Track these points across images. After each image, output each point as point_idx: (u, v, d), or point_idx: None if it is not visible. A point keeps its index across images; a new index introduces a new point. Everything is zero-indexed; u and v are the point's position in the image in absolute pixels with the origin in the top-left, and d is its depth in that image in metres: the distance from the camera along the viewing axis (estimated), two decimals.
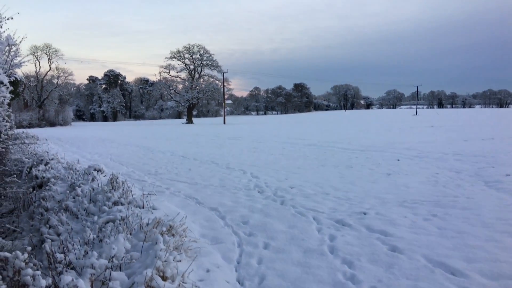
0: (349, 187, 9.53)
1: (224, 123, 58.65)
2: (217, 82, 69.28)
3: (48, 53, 78.34)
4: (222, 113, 66.05)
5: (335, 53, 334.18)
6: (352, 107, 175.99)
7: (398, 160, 14.47)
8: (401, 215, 6.89)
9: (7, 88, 8.00)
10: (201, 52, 67.72)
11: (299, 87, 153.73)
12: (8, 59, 10.21)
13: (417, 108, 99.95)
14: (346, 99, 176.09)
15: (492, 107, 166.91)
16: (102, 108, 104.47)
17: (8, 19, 6.81)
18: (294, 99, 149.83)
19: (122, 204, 7.48)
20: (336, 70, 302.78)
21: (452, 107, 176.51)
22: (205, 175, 11.91)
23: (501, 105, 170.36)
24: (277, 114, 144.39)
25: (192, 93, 64.93)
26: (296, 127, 41.00)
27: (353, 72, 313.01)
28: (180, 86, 70.55)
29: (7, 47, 8.83)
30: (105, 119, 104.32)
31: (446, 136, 25.35)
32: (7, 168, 12.17)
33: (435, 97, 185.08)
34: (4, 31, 7.89)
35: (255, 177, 11.31)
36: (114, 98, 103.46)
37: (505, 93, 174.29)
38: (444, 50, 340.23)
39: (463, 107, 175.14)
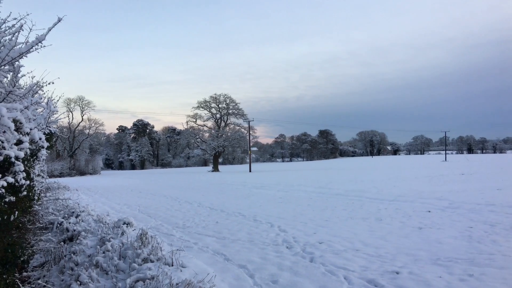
0: (380, 243, 9.32)
1: (250, 170, 58.84)
2: (242, 130, 70.36)
3: (81, 105, 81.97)
4: (248, 161, 66.41)
5: (358, 100, 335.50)
6: (379, 153, 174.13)
7: (429, 211, 14.13)
8: (435, 275, 6.67)
9: (43, 147, 8.38)
10: (227, 102, 69.40)
11: (324, 134, 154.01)
12: (46, 117, 10.77)
13: (446, 154, 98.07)
14: (373, 145, 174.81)
15: None
16: (130, 157, 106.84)
17: (49, 83, 7.24)
18: (319, 146, 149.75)
19: (151, 261, 7.52)
20: (361, 116, 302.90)
21: (482, 153, 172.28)
22: (233, 228, 11.88)
23: None
24: (303, 160, 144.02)
25: (218, 141, 65.92)
26: (322, 175, 40.72)
27: (378, 118, 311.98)
28: (207, 134, 71.89)
29: (48, 110, 9.32)
30: (133, 167, 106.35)
31: (479, 184, 24.66)
32: (39, 220, 12.50)
33: (464, 142, 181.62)
34: (44, 93, 8.36)
35: (283, 230, 11.21)
36: (142, 147, 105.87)
37: None
38: (471, 95, 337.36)
39: (494, 152, 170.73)
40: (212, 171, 64.19)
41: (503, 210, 14.01)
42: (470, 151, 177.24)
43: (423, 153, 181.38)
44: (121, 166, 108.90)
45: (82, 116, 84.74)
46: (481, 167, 49.92)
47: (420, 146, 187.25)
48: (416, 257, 7.87)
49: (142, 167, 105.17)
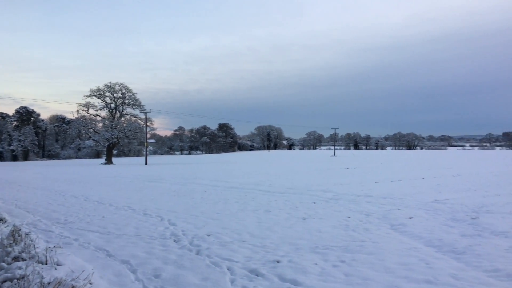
0: (266, 234, 9.66)
1: (146, 163, 57.14)
2: (139, 121, 67.92)
3: None
4: (144, 153, 64.37)
5: (257, 95, 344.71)
6: (275, 147, 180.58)
7: (315, 203, 15.00)
8: (312, 262, 7.10)
9: None
10: (123, 91, 66.34)
11: (224, 127, 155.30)
12: None
13: (335, 149, 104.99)
14: (270, 139, 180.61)
15: (402, 149, 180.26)
16: (12, 147, 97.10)
17: None
18: (218, 139, 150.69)
19: (23, 259, 6.92)
20: (259, 111, 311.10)
21: (366, 148, 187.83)
22: (120, 223, 11.42)
23: (409, 147, 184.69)
24: (202, 154, 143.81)
25: (113, 132, 62.86)
26: (219, 168, 41.07)
27: (276, 113, 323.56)
28: (100, 124, 68.04)
29: None
30: (14, 158, 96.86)
31: (360, 177, 26.83)
32: None
33: (351, 139, 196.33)
34: None
35: (173, 224, 11.07)
36: (26, 136, 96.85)
37: (412, 136, 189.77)
38: (358, 95, 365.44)
39: (376, 148, 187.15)
40: (105, 163, 61.07)
41: (378, 201, 15.41)
42: (356, 147, 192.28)
43: (316, 148, 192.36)
44: (0, 157, 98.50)
45: None
46: (364, 161, 54.41)
47: (313, 141, 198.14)
48: (298, 246, 8.31)
49: (26, 158, 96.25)
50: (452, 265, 6.89)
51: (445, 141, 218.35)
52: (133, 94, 67.14)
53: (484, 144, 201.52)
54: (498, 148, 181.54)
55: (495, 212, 12.43)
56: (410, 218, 11.63)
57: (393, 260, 7.16)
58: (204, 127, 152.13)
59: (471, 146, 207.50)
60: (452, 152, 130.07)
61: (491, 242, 8.49)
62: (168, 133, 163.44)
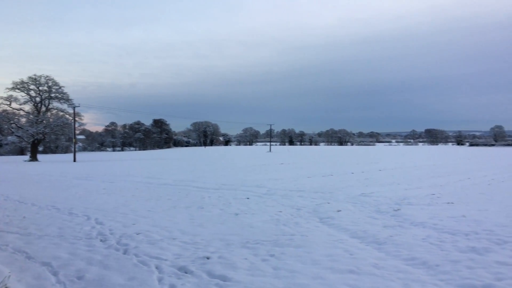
0: (198, 230, 9.57)
1: (75, 160, 54.52)
2: (67, 116, 64.44)
3: None
4: (73, 150, 61.21)
5: (194, 91, 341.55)
6: (212, 143, 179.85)
7: (248, 198, 15.12)
8: (242, 257, 7.14)
9: None
10: (49, 84, 62.53)
11: (159, 123, 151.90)
12: None
13: (270, 145, 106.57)
14: (206, 135, 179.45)
15: (334, 145, 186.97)
16: None
17: None
18: (153, 135, 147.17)
19: None
20: (196, 107, 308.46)
21: (301, 144, 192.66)
22: (42, 223, 10.77)
23: (341, 143, 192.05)
24: (135, 150, 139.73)
25: (38, 128, 59.17)
26: (153, 165, 40.15)
27: (212, 109, 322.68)
28: (24, 119, 63.73)
29: None
30: None
31: (293, 173, 27.45)
32: None
33: (286, 135, 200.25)
34: None
35: (100, 223, 10.63)
36: None
37: (344, 132, 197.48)
38: (293, 92, 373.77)
39: (310, 144, 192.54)
40: (30, 160, 57.42)
41: (309, 195, 15.85)
42: (291, 143, 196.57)
43: (252, 144, 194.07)
44: None
45: None
46: (298, 157, 55.77)
47: (249, 137, 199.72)
48: (229, 242, 8.32)
49: None
50: (374, 255, 7.24)
51: (374, 137, 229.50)
52: (60, 88, 63.49)
53: (408, 140, 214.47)
54: (421, 144, 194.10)
55: (415, 204, 13.26)
56: (338, 211, 12.09)
57: (320, 252, 7.39)
58: (138, 123, 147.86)
59: (397, 142, 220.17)
60: (379, 147, 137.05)
61: (410, 232, 9.04)
62: (99, 128, 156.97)
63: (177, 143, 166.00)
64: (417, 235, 8.71)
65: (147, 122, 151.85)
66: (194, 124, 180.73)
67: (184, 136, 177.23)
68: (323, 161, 43.99)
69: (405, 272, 6.26)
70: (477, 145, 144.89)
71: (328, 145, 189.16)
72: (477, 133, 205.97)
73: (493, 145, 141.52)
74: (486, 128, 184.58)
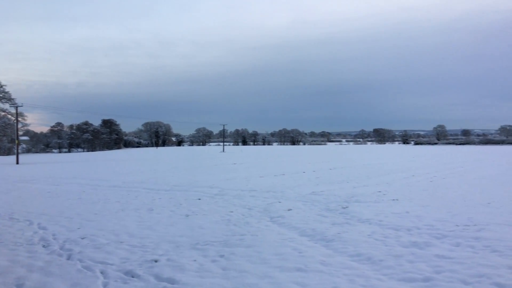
0: (146, 233, 9.36)
1: (17, 162, 51.86)
2: (9, 116, 61.38)
3: None
4: (16, 151, 58.23)
5: (145, 90, 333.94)
6: (164, 144, 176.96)
7: (199, 199, 14.99)
8: (191, 259, 7.06)
9: None
10: None
11: (108, 123, 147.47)
12: None
13: (223, 146, 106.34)
14: (158, 136, 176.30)
15: (286, 144, 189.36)
16: None
17: None
18: (102, 136, 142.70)
19: None
20: (147, 107, 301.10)
21: (254, 144, 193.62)
22: None
23: (293, 142, 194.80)
24: (83, 151, 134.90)
25: None
26: (102, 166, 38.92)
27: (165, 109, 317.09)
28: None
29: None
30: None
31: (246, 172, 27.53)
32: None
33: (240, 135, 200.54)
34: None
35: (43, 228, 10.16)
36: None
37: (296, 132, 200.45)
38: (246, 92, 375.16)
39: (263, 144, 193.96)
40: None
41: (261, 195, 15.96)
42: (244, 142, 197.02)
43: (205, 144, 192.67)
44: None
45: None
46: (250, 157, 56.01)
47: (203, 137, 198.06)
48: (178, 244, 8.20)
49: None
50: (322, 252, 7.39)
51: (325, 137, 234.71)
52: (1, 87, 60.33)
53: (358, 139, 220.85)
54: (369, 143, 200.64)
55: (363, 201, 13.68)
56: (289, 210, 12.24)
57: (270, 251, 7.45)
58: (86, 123, 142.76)
59: (347, 141, 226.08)
60: (330, 147, 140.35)
61: (356, 229, 9.31)
62: (45, 129, 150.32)
63: (128, 144, 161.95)
64: (363, 231, 8.98)
65: (96, 122, 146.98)
66: (146, 124, 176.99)
67: (135, 137, 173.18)
68: (275, 161, 44.45)
69: (350, 268, 6.43)
70: (421, 143, 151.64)
71: (281, 144, 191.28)
72: (422, 132, 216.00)
73: (436, 143, 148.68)
74: (430, 127, 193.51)
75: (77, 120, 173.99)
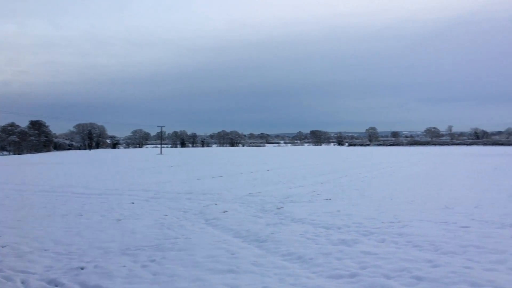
0: (74, 239, 8.93)
1: None
2: None
3: None
4: None
5: (77, 90, 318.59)
6: (98, 146, 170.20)
7: (133, 203, 14.57)
8: (120, 265, 6.83)
9: None
10: None
11: (37, 125, 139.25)
12: None
13: (161, 148, 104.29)
14: (91, 138, 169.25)
15: (226, 146, 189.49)
16: None
17: None
18: (30, 138, 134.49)
19: None
20: (80, 107, 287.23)
21: (193, 146, 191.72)
22: None
23: (232, 144, 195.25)
24: (9, 154, 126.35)
25: None
26: (29, 170, 36.66)
27: (98, 110, 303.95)
28: None
29: None
30: None
31: (183, 175, 27.17)
32: None
33: (178, 137, 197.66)
34: None
35: None
36: None
37: (235, 134, 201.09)
38: (185, 94, 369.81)
39: (202, 146, 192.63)
40: None
41: (198, 197, 15.82)
42: (183, 144, 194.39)
43: (142, 147, 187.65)
44: None
45: None
46: (189, 159, 55.37)
47: (139, 139, 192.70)
48: (107, 250, 7.90)
49: None
50: (255, 252, 7.46)
51: (264, 139, 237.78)
52: None
53: (296, 141, 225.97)
54: (306, 144, 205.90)
55: (298, 202, 14.00)
56: (225, 212, 12.24)
57: (202, 253, 7.39)
58: (12, 125, 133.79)
59: (285, 142, 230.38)
60: (269, 148, 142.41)
61: (289, 228, 9.50)
62: None
63: (59, 147, 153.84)
64: (296, 231, 9.18)
65: (23, 123, 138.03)
66: (78, 126, 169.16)
67: (66, 139, 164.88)
68: (213, 163, 44.29)
69: (281, 267, 6.54)
70: (354, 145, 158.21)
71: (220, 146, 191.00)
72: (355, 134, 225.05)
73: (368, 144, 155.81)
74: (362, 129, 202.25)
75: (2, 122, 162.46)
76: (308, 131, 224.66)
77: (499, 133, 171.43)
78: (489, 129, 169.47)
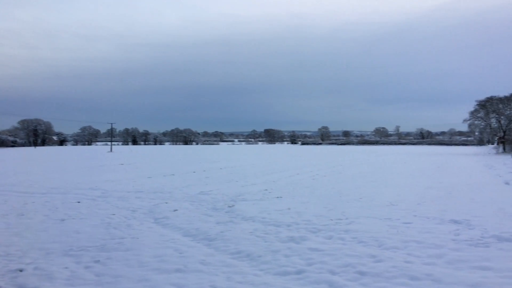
0: (13, 240, 8.49)
1: None
2: None
3: None
4: None
5: (21, 85, 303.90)
6: (44, 143, 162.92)
7: (79, 202, 14.05)
8: (62, 267, 6.56)
9: None
10: None
11: None
12: None
13: (111, 145, 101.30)
14: (37, 134, 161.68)
15: (179, 144, 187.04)
16: None
17: None
18: None
19: None
20: (25, 103, 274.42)
21: (145, 144, 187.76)
22: None
23: (186, 142, 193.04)
24: None
25: None
26: None
27: (44, 106, 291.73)
28: None
29: None
30: None
31: (134, 173, 26.53)
32: None
33: (130, 134, 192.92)
34: None
35: None
36: None
37: (189, 132, 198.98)
38: (137, 90, 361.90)
39: (155, 143, 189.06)
40: None
41: (148, 196, 15.50)
42: (135, 142, 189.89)
43: (91, 144, 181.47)
44: None
45: None
46: (140, 157, 54.16)
47: (88, 137, 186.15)
48: (49, 251, 7.57)
49: None
50: (203, 251, 7.41)
51: (218, 137, 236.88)
52: None
53: (250, 139, 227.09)
54: (260, 142, 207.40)
55: (249, 200, 14.05)
56: (175, 210, 12.07)
57: (149, 253, 7.24)
58: None
59: (239, 141, 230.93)
60: (223, 146, 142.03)
61: (240, 226, 9.51)
62: None
63: (2, 143, 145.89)
64: (245, 229, 9.20)
65: None
66: (22, 122, 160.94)
67: (9, 135, 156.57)
68: (166, 161, 43.58)
69: (230, 265, 6.53)
70: (307, 143, 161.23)
71: (173, 144, 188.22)
72: (308, 133, 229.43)
73: (320, 143, 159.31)
74: (315, 128, 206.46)
75: None
76: (262, 130, 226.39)
77: (443, 133, 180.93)
78: (433, 129, 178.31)
